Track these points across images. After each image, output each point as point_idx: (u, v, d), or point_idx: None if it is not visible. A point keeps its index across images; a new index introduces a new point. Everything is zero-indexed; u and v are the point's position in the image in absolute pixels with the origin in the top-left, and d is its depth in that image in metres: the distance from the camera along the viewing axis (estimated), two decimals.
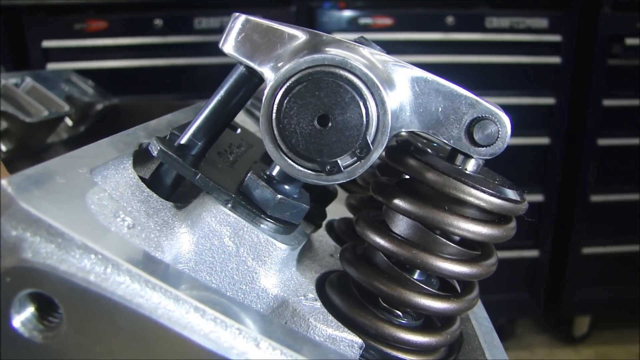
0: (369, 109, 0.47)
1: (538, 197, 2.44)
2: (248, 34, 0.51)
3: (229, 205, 0.52)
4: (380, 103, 0.47)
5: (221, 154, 0.62)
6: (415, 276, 0.53)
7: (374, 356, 0.53)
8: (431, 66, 0.50)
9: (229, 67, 0.55)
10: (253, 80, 0.54)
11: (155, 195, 0.53)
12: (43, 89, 1.19)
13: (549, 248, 2.54)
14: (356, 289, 0.56)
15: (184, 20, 2.20)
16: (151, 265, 0.40)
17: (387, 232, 0.53)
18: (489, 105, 0.49)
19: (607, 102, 2.37)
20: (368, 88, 0.47)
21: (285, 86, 0.47)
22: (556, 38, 2.31)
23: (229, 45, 0.52)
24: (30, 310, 0.39)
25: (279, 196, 0.52)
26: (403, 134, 0.62)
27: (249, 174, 0.53)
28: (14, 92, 1.12)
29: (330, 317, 0.52)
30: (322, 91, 0.47)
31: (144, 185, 0.53)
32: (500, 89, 2.32)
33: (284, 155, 0.49)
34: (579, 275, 2.54)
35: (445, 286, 0.57)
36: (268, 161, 0.53)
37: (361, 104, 0.47)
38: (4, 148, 1.13)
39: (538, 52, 2.33)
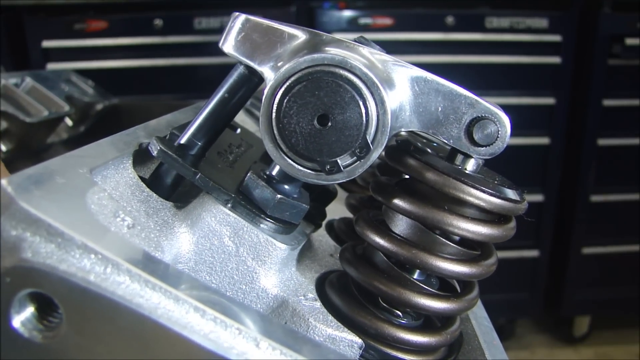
0: (369, 109, 0.47)
1: (538, 197, 2.45)
2: (248, 33, 0.51)
3: (229, 205, 0.52)
4: (380, 103, 0.47)
5: (221, 153, 0.62)
6: (415, 276, 0.53)
7: (374, 356, 0.53)
8: (431, 66, 0.50)
9: (229, 67, 0.55)
10: (253, 80, 0.54)
11: (155, 195, 0.53)
12: (43, 89, 1.19)
13: (549, 248, 2.54)
14: (356, 289, 0.56)
15: (184, 20, 2.20)
16: (151, 265, 0.40)
17: (386, 232, 0.53)
18: (489, 105, 0.49)
19: (607, 102, 2.37)
20: (368, 88, 0.47)
21: (285, 86, 0.47)
22: (556, 38, 2.31)
23: (228, 44, 0.52)
24: (30, 310, 0.39)
25: (279, 196, 0.52)
26: (403, 133, 0.62)
27: (248, 174, 0.53)
28: (14, 92, 1.12)
29: (330, 317, 0.52)
30: (322, 91, 0.47)
31: (144, 185, 0.53)
32: (500, 89, 2.32)
33: (284, 155, 0.49)
34: (579, 275, 2.54)
35: (445, 286, 0.57)
36: (268, 161, 0.53)
37: (361, 103, 0.47)
38: (4, 148, 1.13)
39: (538, 52, 2.33)
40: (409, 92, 0.50)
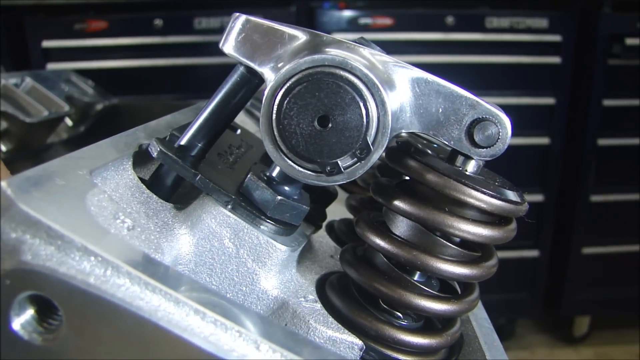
0: (369, 110, 0.47)
1: (538, 197, 2.45)
2: (248, 34, 0.51)
3: (229, 206, 0.52)
4: (381, 104, 0.47)
5: (221, 155, 0.62)
6: (416, 278, 0.53)
7: (375, 358, 0.52)
8: (431, 66, 0.50)
9: (229, 67, 0.55)
10: (253, 80, 0.54)
11: (155, 196, 0.53)
12: (43, 89, 1.18)
13: (549, 248, 2.54)
14: (356, 291, 0.55)
15: (184, 20, 2.20)
16: (151, 267, 0.40)
17: (387, 234, 0.53)
18: (490, 106, 0.49)
19: (607, 102, 2.37)
20: (368, 89, 0.46)
21: (285, 87, 0.47)
22: (556, 38, 2.31)
23: (229, 45, 0.52)
24: (29, 312, 0.39)
25: (279, 197, 0.52)
26: (403, 135, 0.62)
27: (248, 175, 0.53)
28: (14, 92, 1.12)
29: (331, 319, 0.52)
30: (323, 92, 0.47)
31: (144, 186, 0.53)
32: (500, 89, 2.32)
33: (284, 156, 0.49)
34: (579, 275, 2.54)
35: (445, 287, 0.57)
36: (268, 162, 0.53)
37: (361, 104, 0.47)
38: (4, 148, 1.13)
39: (538, 52, 2.33)
40: (410, 93, 0.49)
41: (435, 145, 0.61)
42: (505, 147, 0.50)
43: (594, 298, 2.58)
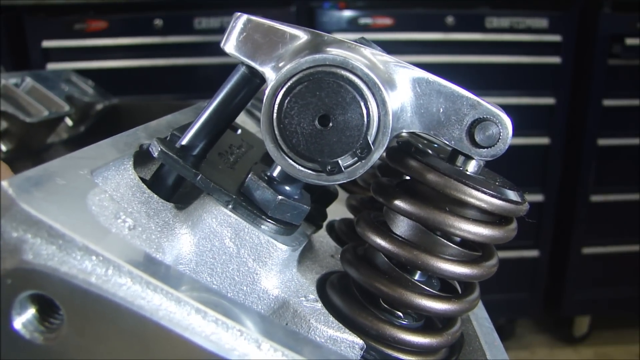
0: (370, 110, 0.47)
1: (538, 197, 2.45)
2: (249, 33, 0.51)
3: (230, 206, 0.52)
4: (382, 103, 0.47)
5: (222, 154, 0.62)
6: (416, 277, 0.53)
7: (375, 357, 0.53)
8: (431, 66, 0.50)
9: (229, 67, 0.55)
10: (254, 80, 0.54)
11: (156, 196, 0.53)
12: (43, 89, 1.18)
13: (549, 248, 2.54)
14: (357, 290, 0.55)
15: (184, 20, 2.20)
16: (152, 266, 0.40)
17: (387, 233, 0.53)
18: (491, 106, 0.49)
19: (607, 102, 2.37)
20: (369, 88, 0.46)
21: (286, 86, 0.47)
22: (556, 38, 2.31)
23: (230, 44, 0.52)
24: (31, 311, 0.39)
25: (280, 197, 0.52)
26: (404, 134, 0.62)
27: (249, 175, 0.53)
28: (14, 92, 1.12)
29: (331, 318, 0.52)
30: (323, 91, 0.47)
31: (145, 186, 0.53)
32: (500, 89, 2.32)
33: (285, 155, 0.49)
34: (579, 275, 2.54)
35: (446, 287, 0.57)
36: (269, 162, 0.53)
37: (362, 104, 0.47)
38: (4, 148, 1.13)
39: (538, 52, 2.33)
40: (411, 93, 0.50)
41: (435, 145, 0.61)
42: (506, 147, 0.50)
43: (594, 298, 2.58)
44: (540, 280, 2.58)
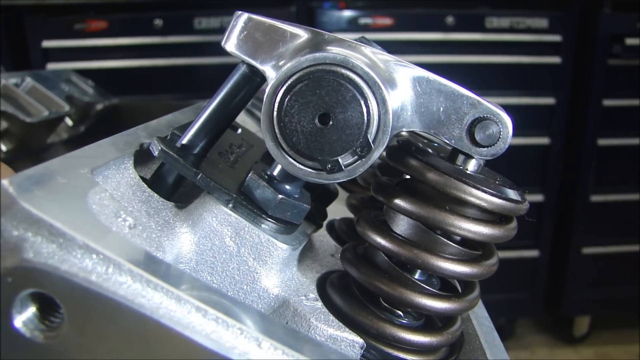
0: (370, 108, 0.47)
1: (538, 197, 2.45)
2: (250, 32, 0.51)
3: (230, 205, 0.52)
4: (382, 102, 0.47)
5: (222, 154, 0.62)
6: (416, 276, 0.53)
7: (375, 356, 0.53)
8: (431, 66, 0.50)
9: (229, 67, 0.55)
10: (255, 79, 0.54)
11: (156, 195, 0.53)
12: (43, 89, 1.18)
13: (549, 248, 2.54)
14: (357, 289, 0.55)
15: (184, 20, 2.20)
16: (152, 265, 0.40)
17: (388, 232, 0.53)
18: (491, 105, 0.49)
19: (607, 102, 2.37)
20: (369, 87, 0.47)
21: (286, 84, 0.47)
22: (556, 38, 2.31)
23: (231, 43, 0.52)
24: (31, 310, 0.39)
25: (280, 196, 0.52)
26: (404, 133, 0.62)
27: (250, 174, 0.53)
28: (14, 92, 1.12)
29: (332, 317, 0.52)
30: (324, 89, 0.47)
31: (145, 185, 0.53)
32: (500, 89, 2.32)
33: (285, 154, 0.49)
34: (579, 275, 2.54)
35: (446, 286, 0.57)
36: (269, 161, 0.53)
37: (362, 102, 0.47)
38: (4, 148, 1.13)
39: (538, 52, 2.33)
40: (411, 92, 0.50)
41: (435, 144, 0.61)
42: (507, 146, 0.50)
43: (594, 298, 2.58)
44: (540, 280, 2.58)
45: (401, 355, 0.53)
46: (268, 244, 0.52)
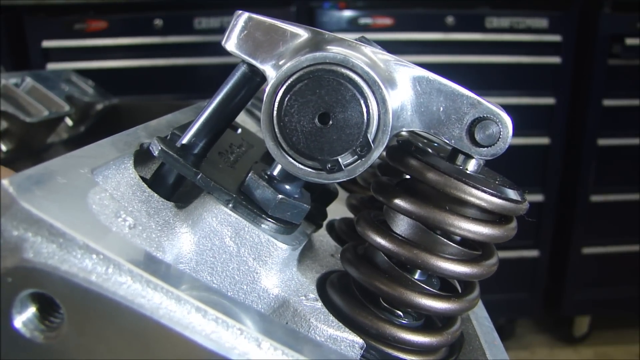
0: (370, 108, 0.47)
1: (538, 197, 2.45)
2: (250, 31, 0.51)
3: (230, 205, 0.52)
4: (382, 102, 0.47)
5: (222, 154, 0.62)
6: (416, 276, 0.53)
7: (375, 356, 0.53)
8: (431, 66, 0.50)
9: (229, 67, 0.55)
10: (255, 79, 0.54)
11: (156, 195, 0.53)
12: (43, 89, 1.18)
13: (549, 248, 2.54)
14: (357, 289, 0.55)
15: (184, 20, 2.20)
16: (152, 265, 0.40)
17: (387, 232, 0.53)
18: (491, 105, 0.49)
19: (607, 102, 2.37)
20: (369, 86, 0.46)
21: (286, 84, 0.47)
22: (556, 38, 2.31)
23: (231, 43, 0.52)
24: (31, 310, 0.39)
25: (280, 196, 0.52)
26: (404, 133, 0.62)
27: (249, 174, 0.53)
28: (14, 92, 1.12)
29: (331, 317, 0.52)
30: (323, 89, 0.47)
31: (145, 185, 0.53)
32: (500, 89, 2.32)
33: (285, 153, 0.49)
34: (579, 275, 2.54)
35: (446, 286, 0.57)
36: (269, 161, 0.53)
37: (362, 102, 0.47)
38: (4, 148, 1.13)
39: (538, 52, 2.33)
40: (411, 91, 0.50)
41: (435, 144, 0.61)
42: (507, 146, 0.50)
43: (594, 298, 2.58)
44: (540, 280, 2.58)
45: (401, 355, 0.53)
46: (268, 244, 0.52)
